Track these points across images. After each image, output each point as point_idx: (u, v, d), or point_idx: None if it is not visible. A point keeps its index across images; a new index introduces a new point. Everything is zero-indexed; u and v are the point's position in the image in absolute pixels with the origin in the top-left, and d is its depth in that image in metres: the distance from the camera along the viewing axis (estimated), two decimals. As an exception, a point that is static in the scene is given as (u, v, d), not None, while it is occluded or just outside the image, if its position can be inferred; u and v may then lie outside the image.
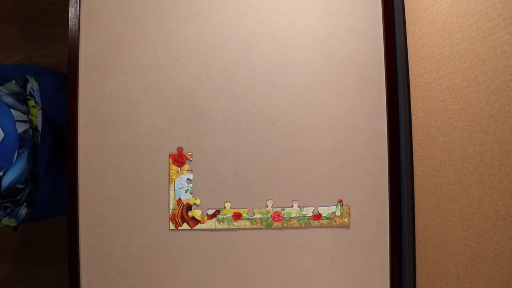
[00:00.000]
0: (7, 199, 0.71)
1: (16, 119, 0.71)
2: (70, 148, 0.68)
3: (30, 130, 0.74)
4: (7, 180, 0.69)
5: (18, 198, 0.73)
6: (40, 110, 0.78)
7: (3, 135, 0.68)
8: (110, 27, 0.70)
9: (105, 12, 0.69)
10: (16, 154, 0.70)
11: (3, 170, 0.68)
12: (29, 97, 0.77)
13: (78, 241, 0.68)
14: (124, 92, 0.69)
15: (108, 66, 0.69)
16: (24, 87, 0.77)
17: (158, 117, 0.69)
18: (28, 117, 0.75)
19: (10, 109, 0.71)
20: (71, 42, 0.69)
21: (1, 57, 1.45)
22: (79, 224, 0.68)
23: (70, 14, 0.69)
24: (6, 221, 0.74)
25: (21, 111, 0.73)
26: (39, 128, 0.77)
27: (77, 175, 0.68)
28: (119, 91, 0.69)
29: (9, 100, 0.73)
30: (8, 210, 0.73)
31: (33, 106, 0.77)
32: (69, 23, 0.69)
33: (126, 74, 0.70)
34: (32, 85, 0.79)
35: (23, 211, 0.75)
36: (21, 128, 0.72)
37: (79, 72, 0.69)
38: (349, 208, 0.70)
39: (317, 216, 0.70)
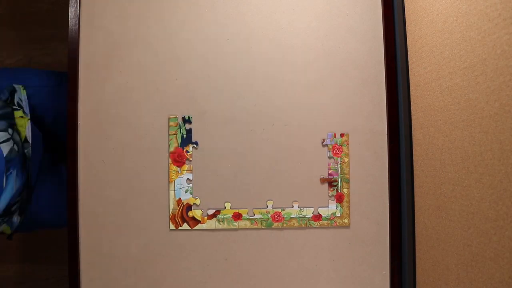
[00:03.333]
0: (4, 217, 0.71)
1: None
2: (70, 148, 0.68)
3: (15, 147, 0.72)
4: (1, 204, 0.68)
5: (13, 209, 0.72)
6: (29, 121, 0.77)
7: None
8: (110, 27, 0.70)
9: (105, 12, 0.69)
10: (4, 179, 0.69)
11: None
12: (16, 107, 0.75)
13: (78, 241, 0.68)
14: (124, 92, 0.69)
15: (108, 66, 0.69)
16: (11, 97, 0.75)
17: (158, 117, 0.69)
18: (8, 133, 0.72)
19: None
20: (71, 42, 0.69)
21: (1, 57, 1.45)
22: (79, 224, 0.68)
23: (70, 14, 0.69)
24: (3, 227, 0.73)
25: (5, 127, 0.72)
26: (29, 139, 0.76)
27: (77, 175, 0.68)
28: (119, 91, 0.69)
29: None
30: (6, 219, 0.72)
31: (21, 117, 0.76)
32: (69, 23, 0.69)
33: (126, 74, 0.70)
34: (20, 94, 0.78)
35: (15, 218, 0.75)
36: (5, 149, 0.70)
37: (79, 72, 0.69)
38: (349, 208, 0.70)
39: (317, 217, 0.70)
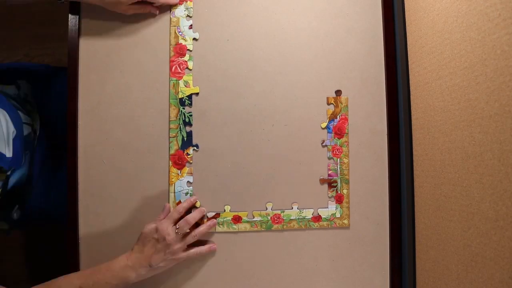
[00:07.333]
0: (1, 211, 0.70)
1: (23, 121, 0.70)
2: (70, 148, 0.68)
3: (32, 134, 0.73)
4: (13, 180, 0.67)
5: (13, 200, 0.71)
6: (37, 115, 0.77)
7: (14, 130, 0.65)
8: (110, 27, 0.70)
9: (105, 12, 0.69)
10: (23, 156, 0.69)
11: (12, 170, 0.65)
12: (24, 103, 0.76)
13: (78, 241, 0.68)
14: (124, 92, 0.69)
15: (108, 66, 0.69)
16: (18, 92, 0.75)
17: (158, 117, 0.69)
18: (31, 121, 0.74)
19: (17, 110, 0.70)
20: (71, 42, 0.69)
21: (1, 57, 1.45)
22: (79, 224, 0.68)
23: (70, 14, 0.69)
24: None
25: (25, 113, 0.72)
26: (37, 133, 0.76)
27: (77, 175, 0.68)
28: (119, 91, 0.69)
29: (14, 102, 0.71)
30: (2, 214, 0.72)
31: (31, 111, 0.76)
32: (69, 23, 0.69)
33: (126, 74, 0.70)
34: (26, 89, 0.77)
35: (15, 213, 0.74)
36: (26, 130, 0.70)
37: (79, 72, 0.69)
38: (348, 209, 0.70)
39: (317, 218, 0.70)
